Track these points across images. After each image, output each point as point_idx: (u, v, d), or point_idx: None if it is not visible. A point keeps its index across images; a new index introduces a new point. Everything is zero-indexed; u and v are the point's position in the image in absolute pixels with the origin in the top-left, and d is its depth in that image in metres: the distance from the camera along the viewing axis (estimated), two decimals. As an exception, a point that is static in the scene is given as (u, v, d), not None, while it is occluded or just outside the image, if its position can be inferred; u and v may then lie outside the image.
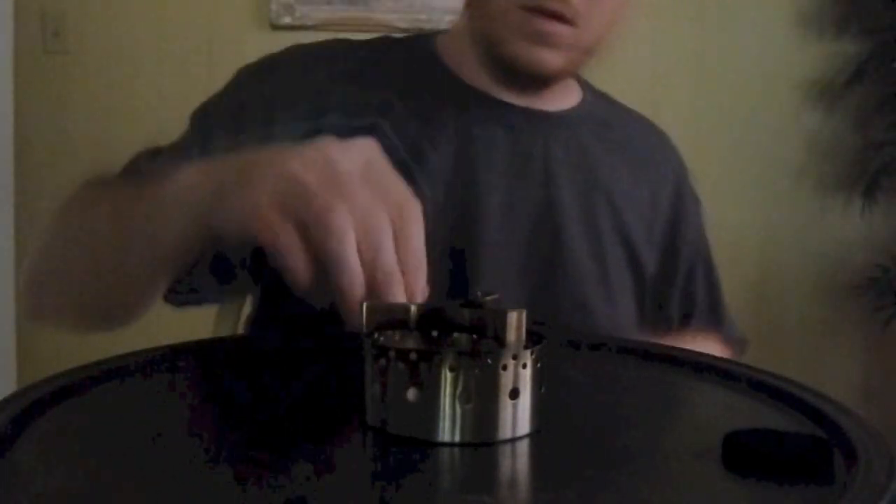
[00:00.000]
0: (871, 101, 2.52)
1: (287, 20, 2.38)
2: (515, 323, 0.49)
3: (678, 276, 0.92)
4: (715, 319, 0.96)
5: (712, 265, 0.97)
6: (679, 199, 0.93)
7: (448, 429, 0.47)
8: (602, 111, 0.93)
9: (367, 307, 0.51)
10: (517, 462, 0.47)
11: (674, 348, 0.67)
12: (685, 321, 0.94)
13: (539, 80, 0.84)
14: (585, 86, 0.94)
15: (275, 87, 0.83)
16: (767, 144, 2.56)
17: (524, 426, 0.48)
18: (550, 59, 0.81)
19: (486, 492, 0.43)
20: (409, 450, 0.46)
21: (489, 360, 0.47)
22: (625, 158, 0.91)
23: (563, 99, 0.90)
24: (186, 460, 0.45)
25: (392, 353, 0.47)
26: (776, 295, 2.60)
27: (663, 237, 0.91)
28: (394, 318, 0.52)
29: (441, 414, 0.47)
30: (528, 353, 0.48)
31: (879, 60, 2.43)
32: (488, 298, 0.55)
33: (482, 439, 0.47)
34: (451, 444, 0.47)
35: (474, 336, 0.52)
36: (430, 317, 0.52)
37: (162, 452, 0.47)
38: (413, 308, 0.52)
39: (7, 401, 0.49)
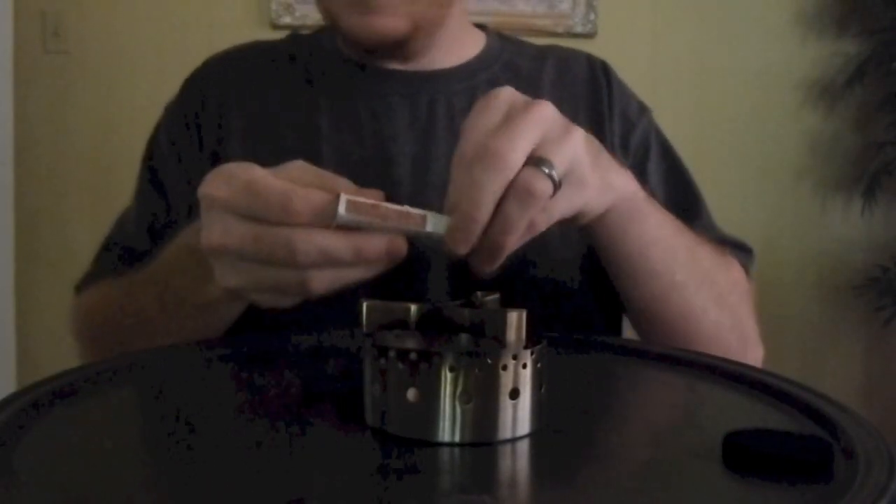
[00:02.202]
0: (871, 101, 2.52)
1: (287, 20, 2.38)
2: (515, 323, 0.49)
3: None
4: (687, 213, 0.87)
5: (673, 158, 0.92)
6: (616, 109, 0.90)
7: (448, 429, 0.47)
8: (509, 54, 0.92)
9: (367, 307, 0.51)
10: (517, 462, 0.47)
11: (674, 348, 0.67)
12: None
13: (400, 46, 0.82)
14: (492, 34, 0.93)
15: (195, 108, 0.88)
16: (767, 144, 2.57)
17: (524, 426, 0.48)
18: (387, 23, 0.79)
19: (486, 492, 0.43)
20: (409, 450, 0.46)
21: (489, 360, 0.47)
22: (542, 89, 0.89)
23: (463, 52, 0.89)
24: (186, 460, 0.45)
25: (392, 353, 0.47)
26: (776, 295, 2.60)
27: (612, 150, 0.85)
28: (394, 318, 0.52)
29: (441, 414, 0.47)
30: (528, 353, 0.48)
31: (879, 60, 2.43)
32: (488, 298, 0.55)
33: (482, 439, 0.47)
34: (451, 444, 0.47)
35: (474, 336, 0.52)
36: (430, 317, 0.52)
37: (162, 452, 0.47)
38: (413, 308, 0.52)
39: (7, 401, 0.49)
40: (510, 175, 0.54)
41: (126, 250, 0.88)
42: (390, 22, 0.79)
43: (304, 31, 0.94)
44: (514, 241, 0.55)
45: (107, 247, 0.91)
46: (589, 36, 2.48)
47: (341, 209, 0.53)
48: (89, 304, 0.87)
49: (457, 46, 0.89)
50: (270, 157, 0.80)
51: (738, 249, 0.89)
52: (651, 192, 0.86)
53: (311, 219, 0.54)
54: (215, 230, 0.57)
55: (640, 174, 0.88)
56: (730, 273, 0.81)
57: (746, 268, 0.88)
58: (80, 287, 0.90)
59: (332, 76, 0.87)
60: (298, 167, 0.58)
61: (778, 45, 2.55)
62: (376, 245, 0.55)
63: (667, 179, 0.91)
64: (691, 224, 0.86)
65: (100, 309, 0.84)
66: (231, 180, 0.57)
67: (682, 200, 0.90)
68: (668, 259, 0.71)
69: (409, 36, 0.82)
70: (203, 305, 0.67)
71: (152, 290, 0.73)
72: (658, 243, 0.71)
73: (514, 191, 0.54)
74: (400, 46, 0.83)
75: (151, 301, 0.73)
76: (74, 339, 0.88)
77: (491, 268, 0.56)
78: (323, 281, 0.56)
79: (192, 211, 0.84)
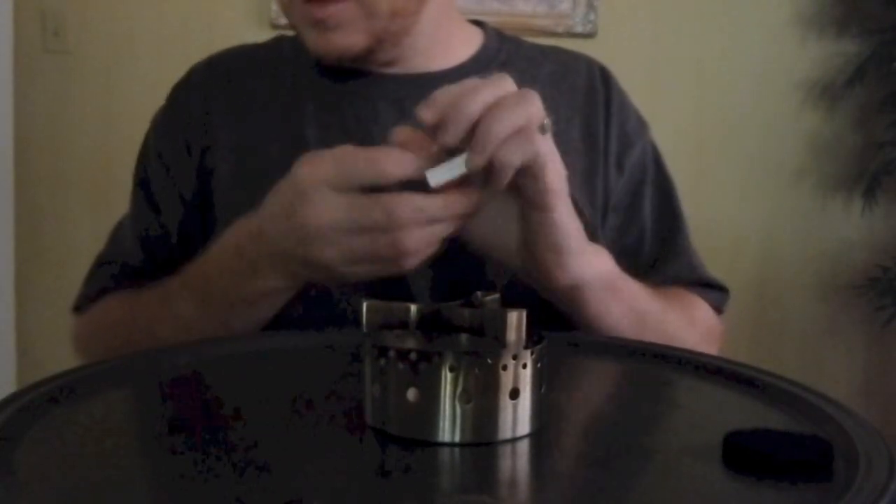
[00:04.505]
0: (871, 101, 2.52)
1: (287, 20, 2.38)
2: (515, 323, 0.49)
3: (622, 200, 0.88)
4: (672, 253, 0.90)
5: (670, 194, 0.92)
6: (614, 123, 0.88)
7: (448, 429, 0.47)
8: (505, 55, 0.89)
9: (367, 307, 0.51)
10: (517, 462, 0.47)
11: (674, 348, 0.67)
12: (640, 256, 0.88)
13: (363, 60, 0.81)
14: (491, 33, 0.91)
15: (181, 119, 0.87)
16: (767, 144, 2.56)
17: (524, 426, 0.48)
18: (345, 40, 0.79)
19: (486, 492, 0.43)
20: (409, 450, 0.46)
21: (489, 360, 0.47)
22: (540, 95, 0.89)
23: (455, 53, 0.87)
24: (186, 461, 0.45)
25: (392, 353, 0.47)
26: (776, 295, 2.60)
27: (606, 166, 0.87)
28: (394, 319, 0.52)
29: (441, 414, 0.47)
30: (528, 353, 0.48)
31: (879, 60, 2.43)
32: (488, 299, 0.55)
33: (482, 439, 0.47)
34: (451, 444, 0.47)
35: (474, 336, 0.52)
36: (430, 317, 0.52)
37: (161, 453, 0.47)
38: (413, 308, 0.52)
39: (7, 401, 0.49)
40: (507, 90, 0.62)
41: (125, 266, 0.87)
42: (349, 39, 0.79)
43: (289, 33, 0.92)
44: (501, 130, 0.60)
45: (100, 264, 0.90)
46: (589, 36, 2.48)
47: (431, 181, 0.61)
48: (101, 322, 0.86)
49: (446, 48, 0.87)
50: (257, 168, 0.80)
51: (714, 289, 0.91)
52: (641, 222, 0.88)
53: (402, 172, 0.61)
54: (313, 206, 0.62)
55: (635, 197, 0.89)
56: (695, 324, 0.85)
57: (720, 308, 0.91)
58: (79, 307, 0.89)
59: (318, 81, 0.85)
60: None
61: (778, 45, 2.55)
62: (461, 199, 0.62)
63: (657, 210, 0.90)
64: (671, 262, 0.89)
65: (118, 324, 0.83)
66: (321, 159, 0.63)
67: (667, 237, 0.90)
68: (639, 328, 0.75)
69: (372, 49, 0.81)
70: (250, 302, 0.71)
71: (190, 294, 0.74)
72: (629, 315, 0.75)
73: (512, 95, 0.62)
74: (364, 60, 0.82)
75: (191, 306, 0.74)
76: (82, 358, 0.87)
77: (480, 158, 0.60)
78: (415, 239, 0.61)
79: (184, 224, 0.84)
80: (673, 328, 0.80)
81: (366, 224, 0.61)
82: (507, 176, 0.62)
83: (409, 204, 0.61)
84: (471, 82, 0.63)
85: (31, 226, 2.37)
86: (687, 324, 0.83)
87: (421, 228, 0.62)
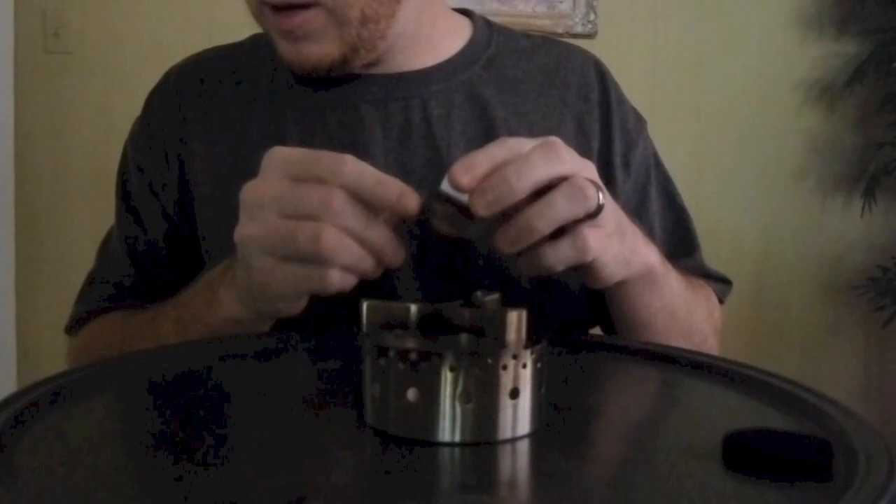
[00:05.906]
0: (871, 101, 2.52)
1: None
2: (515, 323, 0.49)
3: (630, 201, 0.85)
4: (683, 250, 0.88)
5: (672, 191, 0.90)
6: (616, 122, 0.85)
7: (448, 429, 0.47)
8: (495, 48, 0.85)
9: (367, 307, 0.51)
10: (517, 462, 0.47)
11: (674, 348, 0.67)
12: None
13: (337, 69, 0.77)
14: (480, 24, 0.87)
15: (159, 128, 0.85)
16: (767, 144, 2.57)
17: (524, 426, 0.48)
18: (317, 50, 0.75)
19: (486, 492, 0.43)
20: (409, 450, 0.46)
21: (489, 360, 0.47)
22: (527, 92, 0.84)
23: (441, 48, 0.83)
24: (187, 461, 0.45)
25: (392, 353, 0.47)
26: (776, 295, 2.60)
27: (603, 165, 0.83)
28: (394, 319, 0.52)
29: (441, 414, 0.47)
30: (528, 353, 0.48)
31: (879, 60, 2.43)
32: (488, 299, 0.55)
33: (482, 439, 0.47)
34: (451, 444, 0.47)
35: (474, 336, 0.52)
36: (430, 317, 0.52)
37: (162, 453, 0.47)
38: (413, 308, 0.52)
39: (7, 401, 0.49)
40: (564, 171, 0.58)
41: (116, 286, 0.86)
42: (321, 49, 0.75)
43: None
44: (544, 229, 0.58)
45: (91, 283, 0.89)
46: (589, 36, 2.48)
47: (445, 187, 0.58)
48: (91, 345, 0.85)
49: (430, 44, 0.83)
50: (237, 181, 0.79)
51: (718, 281, 0.91)
52: (649, 222, 0.87)
53: (354, 177, 0.57)
54: (258, 182, 0.61)
55: (643, 197, 0.87)
56: (713, 316, 0.85)
57: (722, 299, 0.91)
58: (73, 328, 0.88)
59: (297, 86, 0.82)
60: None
61: (778, 45, 2.55)
62: (391, 190, 0.58)
63: (663, 208, 0.89)
64: (681, 259, 0.88)
65: (108, 346, 0.81)
66: (293, 148, 0.61)
67: (679, 237, 0.90)
68: (670, 321, 0.76)
69: (347, 58, 0.77)
70: (215, 330, 0.69)
71: (172, 316, 0.74)
72: (665, 310, 0.75)
73: (567, 185, 0.58)
74: (339, 68, 0.78)
75: (170, 328, 0.74)
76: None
77: (510, 249, 0.59)
78: (335, 239, 0.57)
79: (169, 237, 0.83)
80: (697, 321, 0.80)
81: (296, 205, 0.58)
82: (543, 274, 0.61)
83: (347, 203, 0.57)
84: (524, 146, 0.58)
85: (31, 226, 2.37)
86: (707, 316, 0.83)
87: (347, 231, 0.58)
